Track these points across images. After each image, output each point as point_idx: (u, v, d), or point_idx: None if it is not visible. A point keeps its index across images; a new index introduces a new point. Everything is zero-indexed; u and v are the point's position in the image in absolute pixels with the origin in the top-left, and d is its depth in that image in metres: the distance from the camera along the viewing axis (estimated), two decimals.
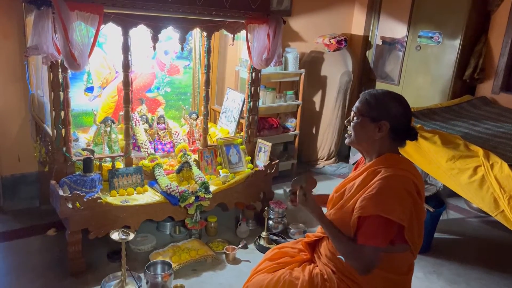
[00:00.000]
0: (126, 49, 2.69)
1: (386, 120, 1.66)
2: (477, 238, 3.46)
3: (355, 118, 1.72)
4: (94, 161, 2.72)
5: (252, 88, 3.29)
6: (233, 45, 3.34)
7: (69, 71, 2.54)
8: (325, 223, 1.72)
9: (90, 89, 3.20)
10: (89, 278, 2.62)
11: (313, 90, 4.58)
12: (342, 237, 1.66)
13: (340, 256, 1.69)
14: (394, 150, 1.72)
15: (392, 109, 1.67)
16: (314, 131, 4.68)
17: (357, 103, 1.74)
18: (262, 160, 3.34)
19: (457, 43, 4.21)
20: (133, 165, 2.94)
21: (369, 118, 1.68)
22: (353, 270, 1.67)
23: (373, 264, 1.59)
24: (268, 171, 3.27)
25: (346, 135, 1.79)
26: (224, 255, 2.93)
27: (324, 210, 1.82)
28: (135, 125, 3.11)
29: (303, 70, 4.22)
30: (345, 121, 1.79)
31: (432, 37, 4.38)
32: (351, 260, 1.64)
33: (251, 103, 3.32)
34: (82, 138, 3.08)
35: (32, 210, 3.35)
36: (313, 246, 1.91)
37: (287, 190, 1.93)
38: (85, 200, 2.52)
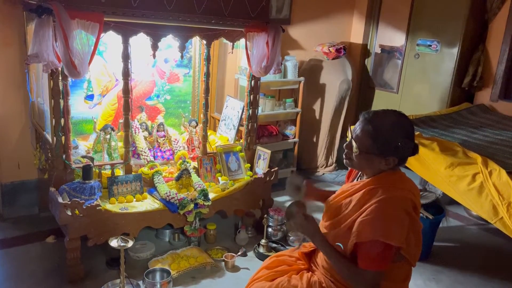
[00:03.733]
0: (126, 57, 2.71)
1: (394, 156, 1.59)
2: (477, 245, 3.46)
3: (357, 151, 1.61)
4: (93, 169, 2.72)
5: (252, 96, 3.30)
6: (232, 53, 3.37)
7: (69, 79, 2.55)
8: (326, 251, 1.70)
9: (90, 97, 3.22)
10: (88, 285, 2.61)
11: (312, 98, 4.60)
12: (344, 261, 1.64)
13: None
14: (393, 168, 1.66)
15: (401, 144, 1.57)
16: (313, 138, 4.69)
17: (359, 132, 1.61)
18: (261, 167, 3.34)
19: (455, 51, 4.23)
20: (133, 173, 2.94)
21: (375, 154, 1.59)
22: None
23: (378, 285, 1.58)
24: (268, 179, 3.27)
25: (345, 157, 1.68)
26: (223, 263, 2.93)
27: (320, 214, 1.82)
28: (135, 132, 3.12)
29: (302, 78, 4.24)
30: (344, 145, 1.69)
31: (431, 46, 4.41)
32: (355, 283, 1.63)
33: (250, 111, 3.33)
34: (82, 146, 3.09)
35: (32, 217, 3.35)
36: (310, 256, 1.92)
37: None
38: (84, 207, 2.52)
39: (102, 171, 2.87)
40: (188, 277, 2.74)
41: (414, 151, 1.65)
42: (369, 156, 1.61)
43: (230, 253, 2.97)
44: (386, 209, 1.55)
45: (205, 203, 2.91)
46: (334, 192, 1.86)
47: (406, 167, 2.96)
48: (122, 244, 2.35)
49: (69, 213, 2.50)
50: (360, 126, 1.62)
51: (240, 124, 3.51)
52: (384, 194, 1.57)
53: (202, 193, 2.92)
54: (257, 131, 3.58)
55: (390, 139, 1.58)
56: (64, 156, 2.66)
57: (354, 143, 1.63)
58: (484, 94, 4.38)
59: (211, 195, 3.01)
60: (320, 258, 1.81)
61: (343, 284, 1.71)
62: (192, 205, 2.86)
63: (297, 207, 1.76)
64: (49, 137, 2.80)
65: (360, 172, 1.80)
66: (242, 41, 3.11)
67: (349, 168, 1.86)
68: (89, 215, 2.56)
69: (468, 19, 4.14)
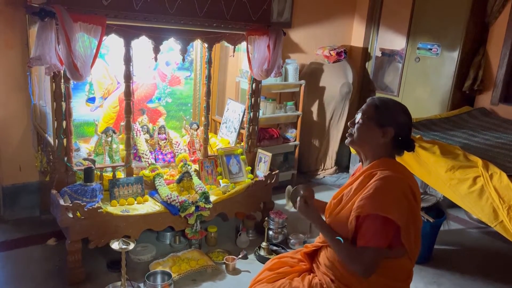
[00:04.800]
0: (128, 60, 2.72)
1: (392, 127, 1.69)
2: (478, 248, 3.45)
3: (360, 120, 1.74)
4: (95, 171, 2.73)
5: (253, 99, 3.31)
6: (233, 56, 3.38)
7: (71, 82, 2.56)
8: (325, 229, 1.75)
9: (91, 100, 3.23)
10: None
11: (313, 101, 4.60)
12: (343, 242, 1.67)
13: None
14: (391, 156, 1.76)
15: (399, 118, 1.71)
16: (314, 141, 4.69)
17: (364, 106, 1.76)
18: (262, 170, 3.35)
19: (455, 54, 4.24)
20: (134, 175, 2.95)
21: (375, 123, 1.71)
22: (351, 278, 1.68)
23: (374, 266, 1.60)
24: (268, 181, 3.28)
25: (347, 135, 1.80)
26: (224, 265, 2.93)
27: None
28: (136, 135, 3.13)
29: (303, 81, 4.25)
30: (349, 122, 1.80)
31: (431, 49, 4.42)
32: (352, 264, 1.64)
33: (251, 114, 3.34)
34: (84, 148, 3.09)
35: (33, 219, 3.35)
36: (312, 256, 1.92)
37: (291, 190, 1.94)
38: (85, 209, 2.53)
39: (103, 174, 2.87)
40: (189, 280, 2.74)
41: (410, 143, 1.74)
42: (370, 125, 1.71)
43: (231, 256, 2.97)
44: (386, 186, 1.62)
45: (206, 206, 2.91)
46: None
47: None
48: (123, 246, 2.36)
49: (70, 215, 2.51)
50: (367, 102, 1.78)
51: (241, 127, 3.52)
52: (383, 174, 1.65)
53: (203, 196, 2.93)
54: (258, 134, 3.59)
55: (391, 110, 1.72)
56: (65, 159, 2.66)
57: (358, 114, 1.75)
58: (485, 98, 4.38)
59: (212, 198, 3.01)
60: (323, 257, 1.82)
61: (343, 282, 1.72)
62: (193, 208, 2.86)
63: (304, 191, 1.82)
64: (50, 139, 2.80)
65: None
66: (243, 44, 3.12)
67: (351, 172, 1.89)
68: (90, 218, 2.56)
69: (469, 22, 4.14)
